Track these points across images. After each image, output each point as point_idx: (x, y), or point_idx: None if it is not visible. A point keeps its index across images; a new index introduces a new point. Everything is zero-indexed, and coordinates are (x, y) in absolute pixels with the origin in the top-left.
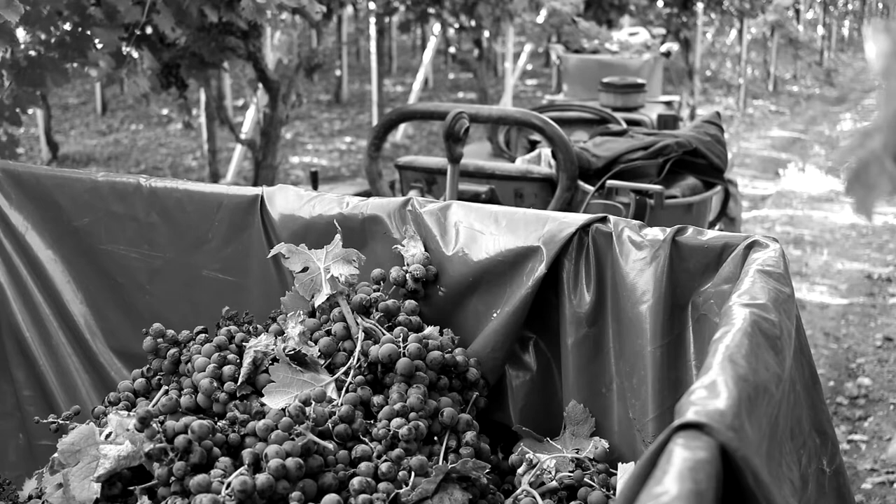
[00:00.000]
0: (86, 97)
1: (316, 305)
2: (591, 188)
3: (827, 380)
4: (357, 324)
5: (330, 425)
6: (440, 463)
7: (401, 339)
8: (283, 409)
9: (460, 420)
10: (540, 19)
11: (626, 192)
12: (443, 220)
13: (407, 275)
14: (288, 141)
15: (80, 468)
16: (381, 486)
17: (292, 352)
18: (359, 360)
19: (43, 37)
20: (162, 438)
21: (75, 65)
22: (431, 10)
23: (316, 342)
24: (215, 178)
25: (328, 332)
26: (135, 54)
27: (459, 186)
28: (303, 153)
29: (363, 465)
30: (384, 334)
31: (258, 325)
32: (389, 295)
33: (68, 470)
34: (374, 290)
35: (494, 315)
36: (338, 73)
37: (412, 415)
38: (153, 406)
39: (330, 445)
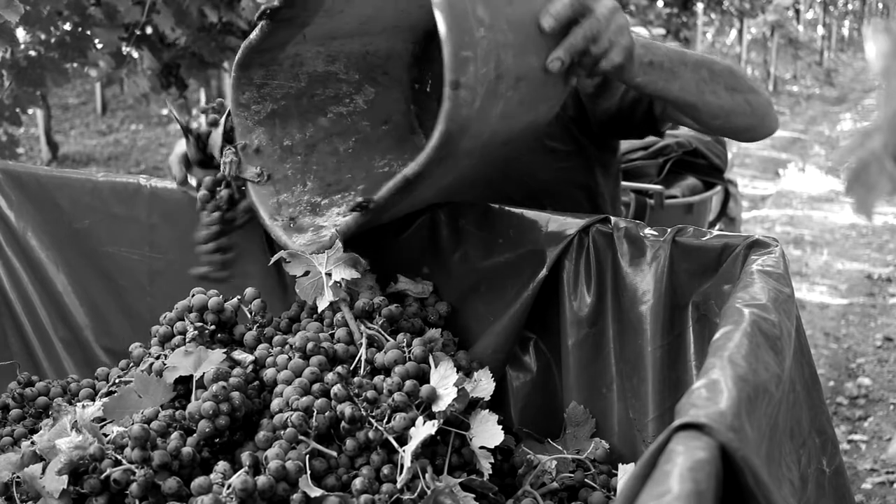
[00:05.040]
0: (86, 97)
1: (319, 311)
2: None
3: (827, 380)
4: (360, 330)
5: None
6: (445, 466)
7: (405, 344)
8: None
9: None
10: None
11: (626, 192)
12: (444, 221)
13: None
14: None
15: (53, 462)
16: (384, 487)
17: None
18: (365, 367)
19: (43, 37)
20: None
21: (75, 65)
22: None
23: None
24: None
25: (331, 337)
26: (135, 54)
27: None
28: None
29: (365, 468)
30: (388, 340)
31: None
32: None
33: (46, 463)
34: (377, 295)
35: (496, 317)
36: None
37: None
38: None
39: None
